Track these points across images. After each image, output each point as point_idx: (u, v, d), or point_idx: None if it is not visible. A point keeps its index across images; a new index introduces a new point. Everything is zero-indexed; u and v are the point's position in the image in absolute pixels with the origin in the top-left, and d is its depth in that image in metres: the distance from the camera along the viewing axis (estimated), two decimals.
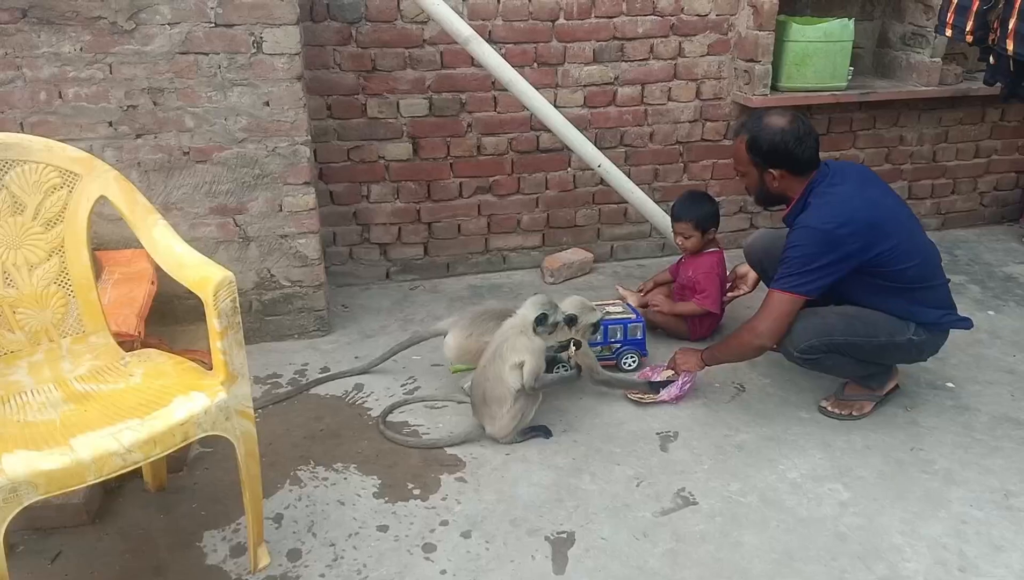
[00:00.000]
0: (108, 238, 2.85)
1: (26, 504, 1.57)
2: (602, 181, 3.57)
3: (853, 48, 3.99)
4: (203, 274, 1.85)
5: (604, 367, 2.91)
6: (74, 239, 2.02)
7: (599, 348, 2.92)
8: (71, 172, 2.00)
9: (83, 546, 2.12)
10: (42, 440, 1.67)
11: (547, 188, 3.81)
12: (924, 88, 3.94)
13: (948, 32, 2.78)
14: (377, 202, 3.61)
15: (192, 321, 3.05)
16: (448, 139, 3.58)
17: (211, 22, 2.71)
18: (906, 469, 2.49)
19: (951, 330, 2.67)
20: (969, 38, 2.73)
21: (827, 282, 2.41)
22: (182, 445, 1.78)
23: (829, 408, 2.68)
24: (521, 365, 2.46)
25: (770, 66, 3.69)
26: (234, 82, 2.80)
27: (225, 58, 2.76)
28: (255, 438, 1.94)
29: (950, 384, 2.96)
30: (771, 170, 2.47)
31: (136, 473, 2.32)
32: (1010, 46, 2.57)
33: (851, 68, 3.86)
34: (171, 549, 2.13)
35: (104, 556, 2.10)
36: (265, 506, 2.26)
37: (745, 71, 3.74)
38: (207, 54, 2.74)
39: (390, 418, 2.70)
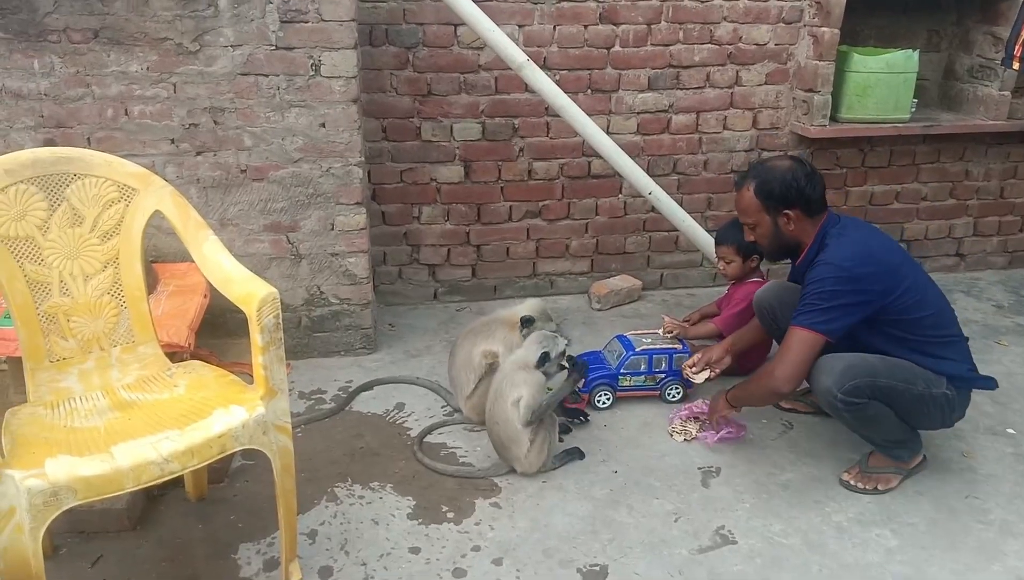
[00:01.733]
0: (166, 250, 2.94)
1: (65, 508, 1.61)
2: (653, 209, 3.53)
3: (918, 80, 3.90)
4: (248, 290, 1.89)
5: (641, 395, 2.91)
6: (128, 251, 2.09)
7: (642, 377, 2.88)
8: (129, 186, 2.07)
9: (123, 551, 2.17)
10: (85, 446, 1.72)
11: (597, 214, 3.79)
12: (991, 122, 3.81)
13: (1016, 65, 2.69)
14: (427, 223, 3.64)
15: (242, 334, 3.07)
16: (500, 163, 3.61)
17: (272, 45, 2.79)
18: (959, 517, 2.38)
19: (982, 389, 2.55)
20: None
21: (849, 322, 2.29)
22: (219, 457, 1.80)
23: (852, 482, 2.48)
24: (519, 401, 2.42)
25: (830, 96, 3.62)
26: (292, 103, 2.87)
27: (284, 80, 2.83)
28: (292, 453, 1.96)
29: (1011, 430, 2.83)
30: (786, 212, 2.39)
31: (178, 482, 2.39)
32: None
33: (915, 100, 3.77)
34: (207, 559, 2.17)
35: (143, 562, 2.14)
36: (301, 521, 2.29)
37: (804, 101, 3.67)
38: (267, 76, 2.82)
39: (428, 439, 2.70)
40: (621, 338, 2.99)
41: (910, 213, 4.10)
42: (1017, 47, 2.66)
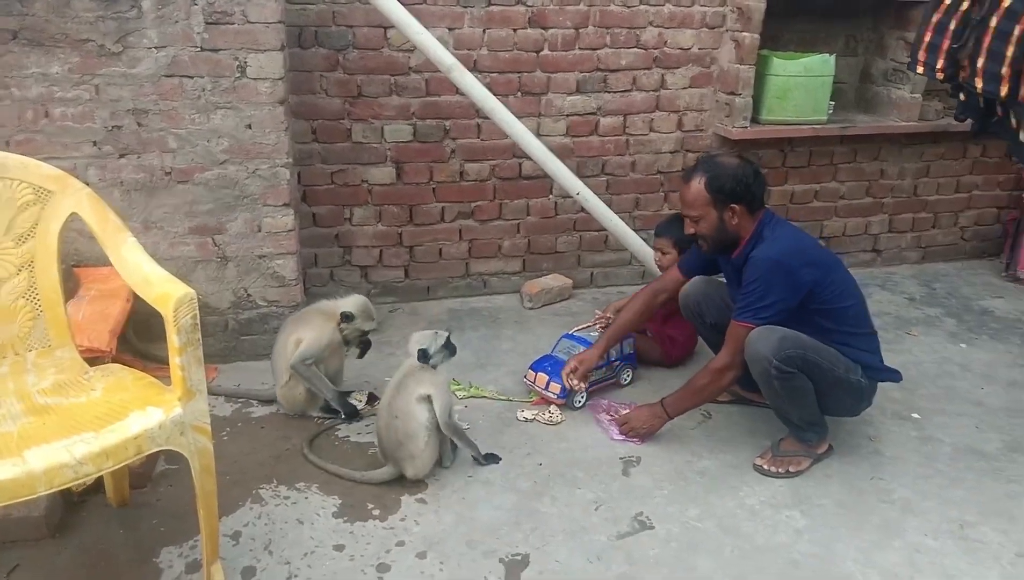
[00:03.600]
0: (88, 254, 2.91)
1: None
2: (583, 209, 3.61)
3: (836, 83, 4.07)
4: (165, 290, 1.90)
5: (606, 386, 2.99)
6: (44, 255, 2.07)
7: (603, 369, 2.97)
8: (45, 189, 2.06)
9: (41, 559, 2.15)
10: None
11: (528, 214, 3.86)
12: (904, 123, 4.00)
13: (920, 69, 2.82)
14: (359, 225, 3.67)
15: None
16: (431, 164, 3.65)
17: (197, 47, 2.78)
18: (865, 498, 2.50)
19: (889, 381, 2.72)
20: (940, 75, 2.76)
21: (785, 310, 2.44)
22: (136, 459, 1.81)
23: (765, 466, 2.60)
24: (427, 398, 2.45)
25: (751, 99, 3.75)
26: (217, 105, 2.87)
27: (209, 81, 2.83)
28: (211, 454, 1.97)
29: (916, 415, 2.98)
30: (733, 206, 2.51)
31: (99, 487, 2.37)
32: (979, 84, 2.61)
33: (832, 103, 3.92)
34: (128, 564, 2.16)
35: (62, 570, 2.12)
36: (225, 523, 2.30)
37: (726, 104, 3.80)
38: (192, 77, 2.82)
39: (355, 439, 2.73)
40: (571, 337, 3.07)
41: (829, 211, 4.27)
42: (921, 52, 2.79)
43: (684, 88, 3.82)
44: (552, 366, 2.93)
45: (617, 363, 3.05)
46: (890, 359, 3.31)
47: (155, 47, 2.75)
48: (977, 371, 3.33)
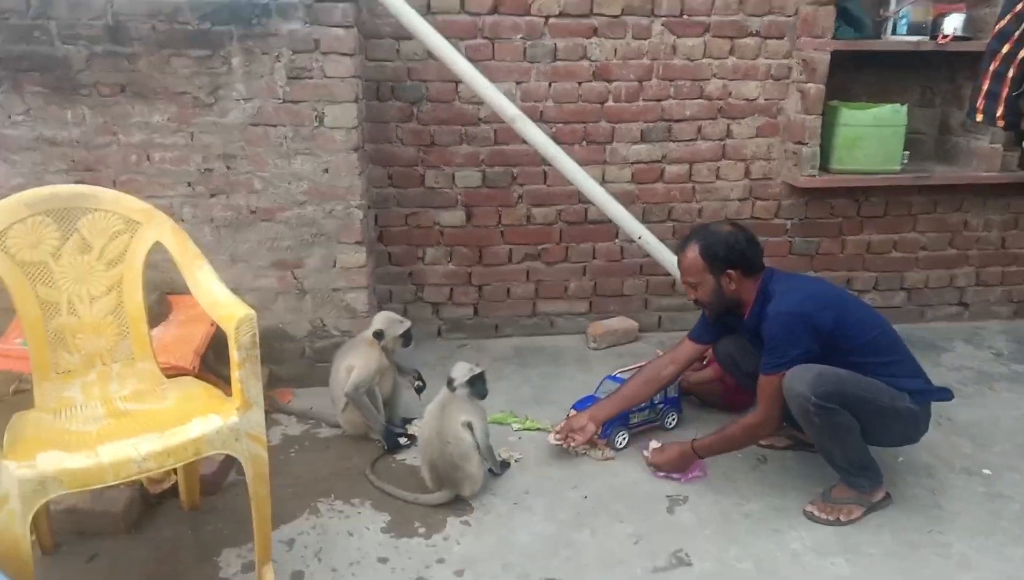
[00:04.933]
0: (180, 284, 3.14)
1: (52, 496, 1.82)
2: (647, 253, 3.68)
3: (913, 134, 4.02)
4: (229, 311, 2.10)
5: (647, 429, 3.04)
6: (131, 278, 2.33)
7: (646, 411, 3.01)
8: (134, 220, 2.33)
9: (117, 551, 2.36)
10: (75, 445, 1.92)
11: (595, 257, 3.96)
12: (984, 173, 3.89)
13: (979, 117, 2.79)
14: (431, 264, 3.86)
15: None
16: (499, 208, 3.82)
17: (280, 99, 3.07)
18: (919, 551, 2.42)
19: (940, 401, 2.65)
20: (1000, 123, 2.73)
21: (810, 357, 2.44)
22: (194, 458, 2.00)
23: (816, 513, 2.56)
24: (469, 424, 2.60)
25: (818, 148, 3.75)
26: (298, 151, 3.13)
27: (291, 130, 3.11)
28: (265, 461, 2.13)
29: (987, 471, 2.86)
30: (728, 272, 2.58)
31: (175, 492, 2.58)
32: None
33: (906, 152, 3.87)
34: (192, 561, 2.35)
35: (133, 562, 2.33)
36: (282, 531, 2.47)
37: (794, 152, 3.81)
38: (275, 126, 3.10)
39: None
40: (613, 378, 3.12)
41: (909, 262, 4.17)
42: (980, 100, 2.77)
43: (750, 137, 3.87)
44: (591, 404, 2.98)
45: (661, 406, 3.07)
46: (968, 414, 3.26)
47: (243, 99, 3.05)
48: None
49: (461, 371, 2.68)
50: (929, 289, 4.22)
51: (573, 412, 3.03)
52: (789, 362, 2.44)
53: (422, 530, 2.49)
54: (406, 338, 2.99)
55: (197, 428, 2.00)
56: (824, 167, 3.87)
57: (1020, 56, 2.61)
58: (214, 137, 3.09)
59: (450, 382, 2.65)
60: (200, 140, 3.09)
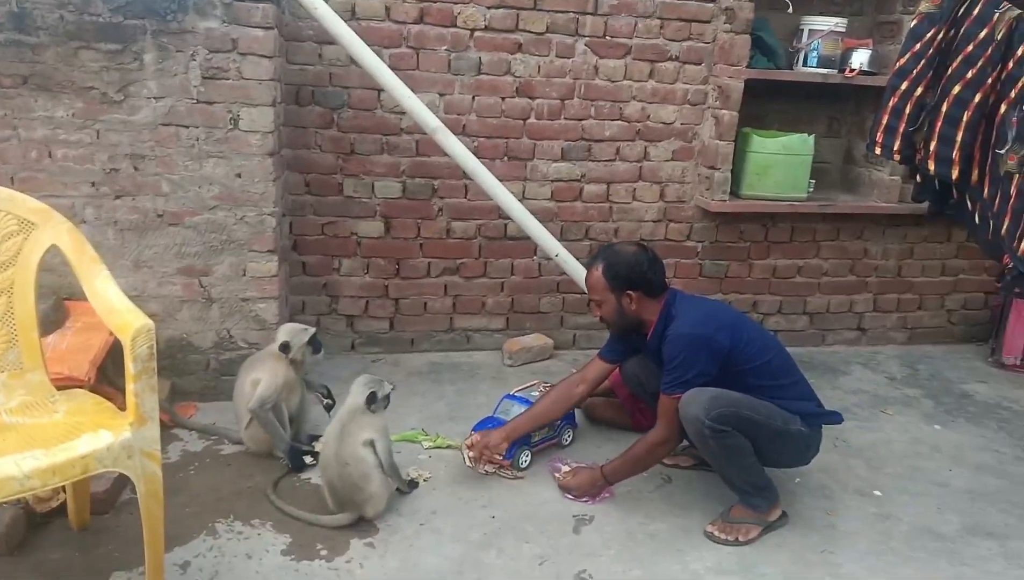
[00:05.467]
0: (79, 289, 3.04)
1: None
2: (563, 271, 3.72)
3: (820, 163, 4.21)
4: (125, 320, 2.01)
5: (547, 446, 3.05)
6: (23, 283, 2.20)
7: (545, 429, 3.01)
8: (29, 221, 2.20)
9: None
10: None
11: (513, 274, 3.97)
12: (883, 204, 4.09)
13: (877, 150, 2.93)
14: (347, 275, 3.79)
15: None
16: (419, 221, 3.79)
17: (193, 99, 2.97)
18: (812, 569, 2.51)
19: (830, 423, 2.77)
20: (897, 157, 2.88)
21: (710, 376, 2.53)
22: (82, 477, 1.90)
23: (716, 533, 2.61)
24: (371, 442, 2.54)
25: (729, 173, 3.87)
26: (210, 153, 3.04)
27: (203, 131, 3.01)
28: (159, 480, 2.05)
29: (878, 492, 2.98)
30: (629, 292, 2.66)
31: (62, 511, 2.45)
32: (931, 166, 2.72)
33: (812, 181, 4.04)
34: None
35: None
36: (177, 553, 2.37)
37: (707, 177, 3.92)
38: (187, 127, 3.00)
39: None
40: (512, 397, 3.13)
41: (812, 287, 4.33)
42: (879, 133, 2.91)
43: (666, 160, 3.96)
44: (494, 427, 2.96)
45: (559, 423, 3.08)
46: (861, 437, 3.39)
47: (154, 97, 2.94)
48: (947, 453, 3.33)
49: (377, 385, 2.61)
50: (830, 314, 4.40)
51: (474, 434, 3.00)
52: (687, 382, 2.51)
53: (324, 552, 2.43)
54: (314, 345, 2.92)
55: (86, 444, 1.90)
56: (735, 192, 3.99)
57: (916, 93, 2.76)
58: (122, 136, 2.96)
59: (371, 398, 2.59)
60: (107, 138, 2.96)
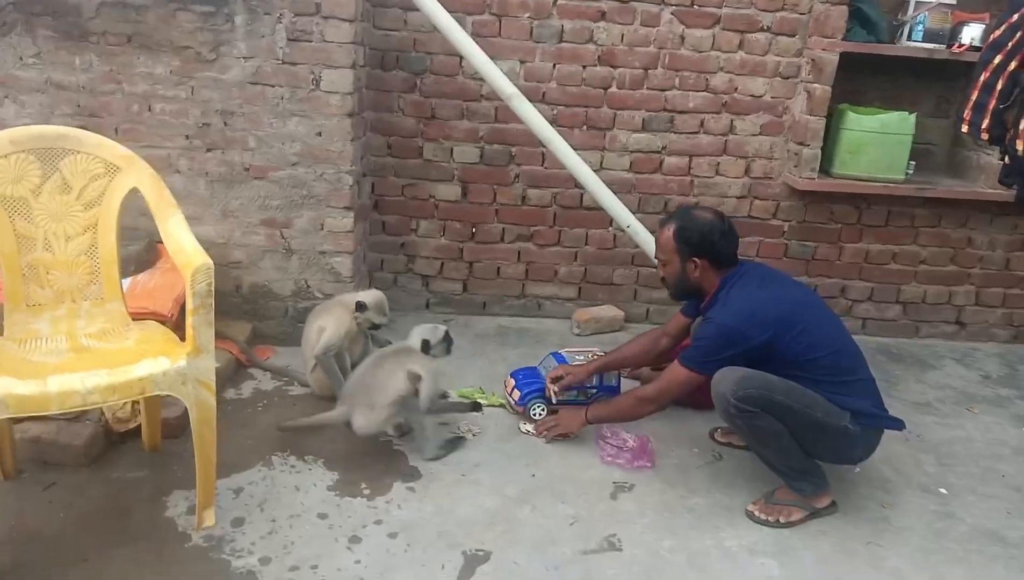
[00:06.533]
0: None
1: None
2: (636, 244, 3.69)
3: (924, 144, 3.98)
4: (189, 259, 2.18)
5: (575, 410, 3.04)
6: (106, 220, 2.42)
7: (576, 393, 3.03)
8: (114, 165, 2.41)
9: (74, 483, 2.47)
10: (30, 374, 2.02)
11: (587, 244, 3.97)
12: (990, 190, 3.81)
13: (965, 128, 2.74)
14: (424, 237, 3.91)
15: (235, 317, 3.44)
16: (495, 187, 3.85)
17: (279, 59, 3.13)
18: (852, 560, 2.42)
19: (890, 428, 2.62)
20: (985, 135, 2.68)
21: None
22: (140, 397, 2.09)
23: (757, 513, 2.56)
24: (415, 376, 2.63)
25: (819, 151, 3.71)
26: (293, 112, 3.20)
27: (287, 91, 3.17)
28: (211, 407, 2.22)
29: (943, 490, 2.83)
30: (694, 259, 2.60)
31: (137, 433, 2.68)
32: (1020, 146, 2.52)
33: (912, 162, 3.81)
34: (143, 499, 2.44)
35: (88, 494, 2.43)
36: (233, 479, 2.56)
37: (796, 153, 3.78)
38: (272, 86, 3.16)
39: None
40: (555, 355, 3.16)
41: (907, 275, 4.11)
42: (967, 111, 2.72)
43: (754, 135, 3.84)
44: (525, 376, 3.08)
45: (594, 391, 3.06)
46: (938, 433, 3.23)
47: (243, 57, 3.12)
48: None
49: (431, 333, 2.74)
50: (926, 305, 4.16)
51: (508, 379, 3.09)
52: (708, 365, 2.49)
53: (367, 491, 2.56)
54: (374, 328, 3.09)
55: (145, 368, 2.08)
56: (827, 171, 3.83)
57: (1011, 68, 2.56)
58: (213, 93, 3.17)
59: (426, 345, 2.73)
60: (200, 95, 3.17)
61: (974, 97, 2.68)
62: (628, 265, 4.02)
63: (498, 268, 3.99)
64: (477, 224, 3.90)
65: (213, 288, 2.17)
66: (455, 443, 2.83)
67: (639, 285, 4.06)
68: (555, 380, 2.96)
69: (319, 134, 3.23)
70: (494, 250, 3.96)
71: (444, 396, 2.92)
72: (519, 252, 3.97)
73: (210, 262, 2.16)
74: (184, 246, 2.29)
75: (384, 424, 2.68)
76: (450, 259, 3.96)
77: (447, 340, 2.78)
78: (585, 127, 3.78)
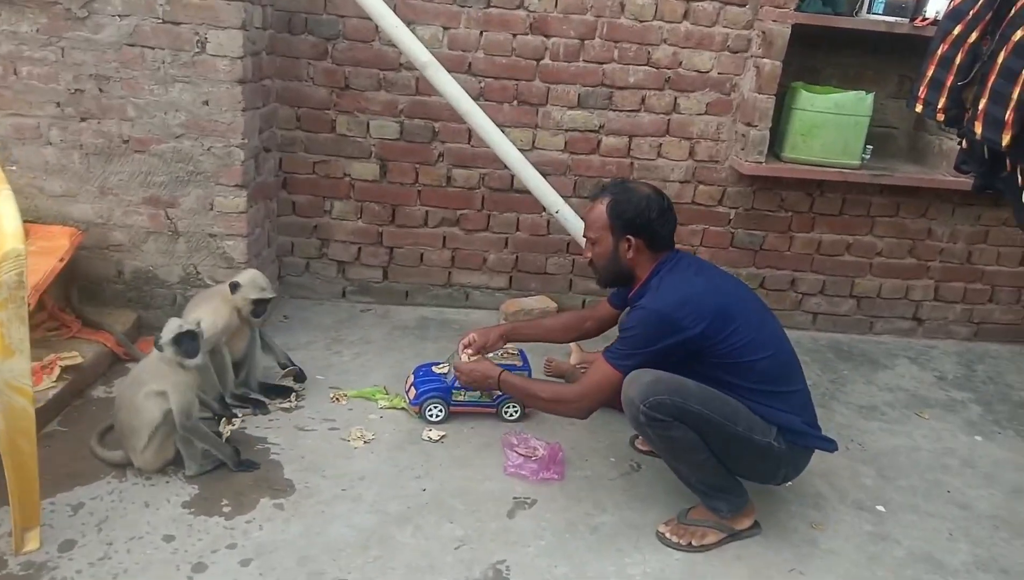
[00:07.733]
0: (46, 213, 2.98)
1: None
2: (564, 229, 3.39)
3: (884, 127, 3.71)
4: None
5: (474, 411, 2.80)
6: None
7: (478, 394, 2.74)
8: None
9: None
10: None
11: (518, 229, 3.67)
12: (952, 178, 3.53)
13: (918, 107, 2.43)
14: (339, 219, 3.59)
15: (117, 306, 3.13)
16: (417, 166, 3.53)
17: (159, 18, 2.80)
18: None
19: (820, 449, 2.34)
20: (941, 116, 2.38)
21: (654, 362, 2.17)
22: None
23: (668, 535, 2.28)
24: (162, 394, 2.28)
25: (767, 132, 3.41)
26: (176, 78, 2.87)
27: (169, 54, 2.84)
28: (29, 415, 1.91)
29: (880, 507, 2.57)
30: (629, 238, 2.29)
31: None
32: (978, 129, 2.21)
33: (870, 146, 3.52)
34: None
35: None
36: (76, 492, 2.28)
37: (743, 135, 3.48)
38: (152, 48, 2.83)
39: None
40: (421, 368, 2.89)
41: (862, 267, 3.83)
42: (922, 88, 2.42)
43: (699, 114, 3.53)
44: (426, 373, 2.82)
45: (500, 394, 2.74)
46: (881, 441, 2.97)
47: (118, 15, 2.78)
48: (981, 469, 2.85)
49: (170, 329, 2.32)
50: (882, 299, 3.89)
51: (411, 376, 2.84)
52: (629, 359, 2.20)
53: (227, 508, 2.26)
54: (259, 310, 2.71)
55: None
56: (777, 154, 3.54)
57: (971, 39, 2.25)
58: (86, 55, 2.83)
59: (156, 342, 2.32)
60: (71, 56, 2.83)
61: (930, 73, 2.37)
62: (563, 253, 3.72)
63: (421, 254, 3.68)
64: (397, 206, 3.59)
65: (24, 278, 1.85)
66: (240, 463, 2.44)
67: (574, 274, 3.77)
68: (467, 347, 2.66)
69: (206, 103, 2.90)
70: (417, 235, 3.65)
71: (221, 400, 2.63)
72: (444, 237, 3.66)
73: (20, 249, 1.84)
74: (4, 228, 1.96)
75: (160, 456, 2.34)
76: (368, 244, 3.64)
77: (184, 339, 2.31)
78: (516, 102, 3.46)
